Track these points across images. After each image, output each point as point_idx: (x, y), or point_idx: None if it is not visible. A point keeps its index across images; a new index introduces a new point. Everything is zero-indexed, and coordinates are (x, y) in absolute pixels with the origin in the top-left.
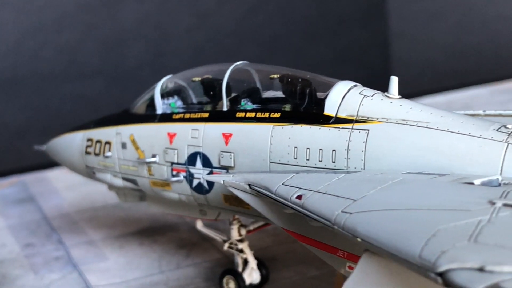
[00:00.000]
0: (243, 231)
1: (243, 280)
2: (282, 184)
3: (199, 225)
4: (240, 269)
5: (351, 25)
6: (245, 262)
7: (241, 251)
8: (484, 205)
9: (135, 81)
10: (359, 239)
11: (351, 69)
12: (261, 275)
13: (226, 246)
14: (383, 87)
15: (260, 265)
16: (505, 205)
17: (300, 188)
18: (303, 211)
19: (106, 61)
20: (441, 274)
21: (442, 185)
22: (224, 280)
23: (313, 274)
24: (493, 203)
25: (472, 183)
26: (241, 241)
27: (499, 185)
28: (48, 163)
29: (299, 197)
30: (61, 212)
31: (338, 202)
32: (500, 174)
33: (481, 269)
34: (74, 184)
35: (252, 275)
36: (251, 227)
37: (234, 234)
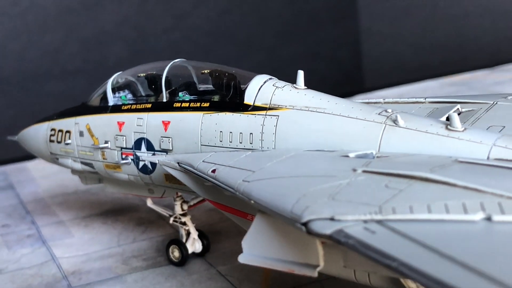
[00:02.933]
0: (185, 206)
1: (186, 249)
2: (202, 161)
3: (149, 202)
4: (183, 239)
5: (323, 24)
6: (188, 234)
7: (184, 223)
8: (348, 172)
9: None
10: (252, 202)
11: (323, 66)
12: (203, 245)
13: (171, 220)
14: (354, 81)
15: (202, 236)
16: (364, 171)
17: (215, 163)
18: (216, 182)
19: (87, 60)
20: (305, 224)
21: (323, 158)
22: (170, 249)
23: None
24: (355, 170)
25: (347, 156)
26: (184, 215)
27: (374, 157)
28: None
29: (213, 171)
30: (36, 198)
31: (241, 173)
32: (379, 149)
33: (331, 219)
34: (50, 173)
35: (194, 244)
36: (192, 203)
37: (178, 209)
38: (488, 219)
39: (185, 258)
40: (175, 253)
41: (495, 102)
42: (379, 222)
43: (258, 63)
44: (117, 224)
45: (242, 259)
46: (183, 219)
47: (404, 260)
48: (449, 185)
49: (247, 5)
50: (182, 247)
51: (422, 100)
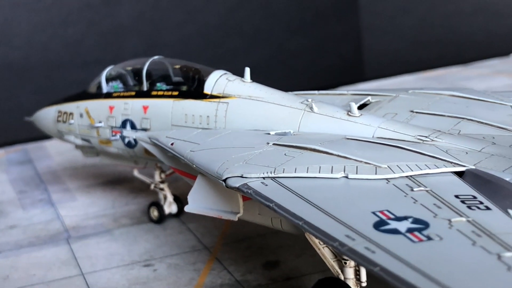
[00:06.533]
0: (163, 175)
1: (163, 210)
2: (165, 137)
3: (136, 172)
4: (162, 202)
5: (327, 19)
6: (165, 198)
7: (162, 189)
8: (263, 145)
9: None
10: (194, 166)
11: (327, 59)
12: (178, 207)
13: (152, 186)
14: (355, 72)
15: (177, 200)
16: (274, 144)
17: (174, 138)
18: (174, 153)
19: (106, 52)
20: (224, 181)
21: (250, 134)
22: (150, 210)
23: None
24: (268, 143)
25: (269, 134)
26: (162, 182)
27: (291, 135)
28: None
29: (172, 144)
30: (50, 170)
31: (190, 145)
32: (298, 129)
33: (241, 176)
34: (64, 150)
35: (171, 207)
36: (168, 172)
37: (157, 177)
38: (346, 177)
39: (163, 217)
40: (155, 213)
41: (397, 95)
42: (272, 178)
43: (265, 57)
44: (114, 192)
45: (187, 209)
46: (161, 186)
47: (278, 202)
48: (327, 154)
49: (255, 1)
50: (160, 208)
51: (345, 92)
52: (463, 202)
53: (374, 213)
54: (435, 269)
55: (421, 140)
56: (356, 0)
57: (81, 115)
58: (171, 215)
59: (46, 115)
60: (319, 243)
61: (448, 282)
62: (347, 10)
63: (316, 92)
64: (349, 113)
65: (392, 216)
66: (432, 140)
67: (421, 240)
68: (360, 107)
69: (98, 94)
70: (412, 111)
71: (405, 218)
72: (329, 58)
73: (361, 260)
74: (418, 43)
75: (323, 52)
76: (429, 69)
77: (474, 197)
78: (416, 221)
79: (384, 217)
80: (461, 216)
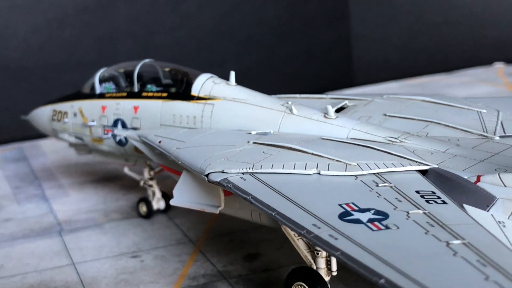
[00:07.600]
0: (152, 172)
1: (151, 205)
2: (154, 135)
3: (126, 169)
4: (150, 198)
5: (318, 27)
6: (154, 194)
7: (151, 186)
8: (243, 143)
9: None
10: (180, 162)
11: (317, 65)
12: (166, 203)
13: (141, 183)
14: (345, 78)
15: (165, 196)
16: (254, 143)
17: (161, 136)
18: (161, 150)
19: (101, 54)
20: (206, 176)
21: (233, 134)
22: (139, 205)
23: None
24: (248, 142)
25: (250, 133)
26: (151, 179)
27: (271, 135)
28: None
29: (160, 142)
30: (44, 167)
31: (177, 143)
32: (278, 130)
33: (222, 171)
34: (58, 149)
35: (159, 203)
36: (156, 169)
37: (146, 174)
38: (318, 173)
39: (151, 212)
40: (143, 208)
41: (372, 100)
42: (251, 173)
43: (256, 62)
44: (105, 188)
45: (172, 202)
46: (150, 182)
47: (255, 195)
48: (302, 152)
49: (247, 7)
50: (149, 204)
51: (324, 96)
52: (422, 197)
53: (340, 205)
54: (390, 254)
55: (391, 141)
56: (346, 9)
57: (75, 114)
58: (159, 211)
59: (42, 114)
60: (294, 235)
61: (400, 265)
62: (338, 17)
63: (297, 95)
64: (326, 115)
65: (356, 208)
66: (401, 141)
67: (379, 229)
68: (338, 111)
69: (92, 95)
70: (385, 115)
71: (367, 210)
72: (319, 64)
73: (324, 246)
74: (406, 51)
75: (313, 58)
76: (416, 76)
77: (433, 193)
78: (377, 212)
79: (349, 209)
80: (418, 208)
